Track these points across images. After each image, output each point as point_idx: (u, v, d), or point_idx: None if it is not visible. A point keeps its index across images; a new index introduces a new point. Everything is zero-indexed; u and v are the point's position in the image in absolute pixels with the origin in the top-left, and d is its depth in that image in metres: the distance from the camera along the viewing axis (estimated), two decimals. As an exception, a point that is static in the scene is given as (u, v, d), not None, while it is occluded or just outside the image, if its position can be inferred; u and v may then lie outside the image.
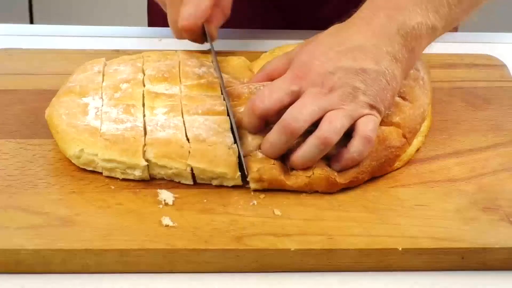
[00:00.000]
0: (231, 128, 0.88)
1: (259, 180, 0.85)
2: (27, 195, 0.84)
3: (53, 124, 0.90)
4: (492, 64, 1.09)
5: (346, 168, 0.86)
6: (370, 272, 0.80)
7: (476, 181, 0.88)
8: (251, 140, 0.87)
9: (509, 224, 0.82)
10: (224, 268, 0.79)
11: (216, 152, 0.85)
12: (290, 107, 0.85)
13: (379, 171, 0.88)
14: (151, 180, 0.87)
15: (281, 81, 0.87)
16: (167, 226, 0.80)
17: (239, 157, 0.85)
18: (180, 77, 0.96)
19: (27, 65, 1.05)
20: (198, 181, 0.86)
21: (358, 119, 0.85)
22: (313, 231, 0.80)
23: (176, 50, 1.02)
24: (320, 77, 0.85)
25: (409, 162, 0.91)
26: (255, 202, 0.84)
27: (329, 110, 0.84)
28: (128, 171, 0.86)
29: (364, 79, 0.86)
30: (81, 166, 0.87)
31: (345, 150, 0.86)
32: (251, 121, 0.87)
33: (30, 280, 0.78)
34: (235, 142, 0.86)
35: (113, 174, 0.86)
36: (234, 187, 0.86)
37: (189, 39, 1.00)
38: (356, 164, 0.86)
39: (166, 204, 0.83)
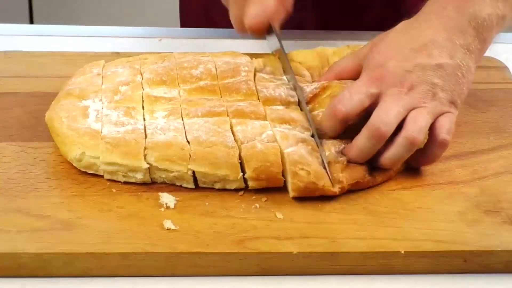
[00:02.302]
0: (313, 135, 0.88)
1: (257, 179, 0.84)
2: (28, 198, 0.83)
3: (53, 127, 0.89)
4: (493, 66, 1.09)
5: (421, 165, 0.89)
6: (372, 275, 0.80)
7: (478, 183, 0.88)
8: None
9: (511, 227, 0.82)
10: (226, 272, 0.79)
11: (217, 154, 0.85)
12: (376, 110, 0.85)
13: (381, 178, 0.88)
14: (152, 184, 0.86)
15: (360, 83, 0.87)
16: (168, 229, 0.80)
17: (323, 164, 0.85)
18: (178, 81, 0.95)
19: (27, 67, 1.05)
20: (200, 184, 0.86)
21: (438, 116, 0.86)
22: (315, 234, 0.80)
23: (172, 52, 1.01)
24: (398, 77, 0.86)
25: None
26: (257, 205, 0.84)
27: (412, 109, 0.85)
28: (130, 174, 0.85)
29: (442, 75, 0.86)
30: (82, 169, 0.87)
31: (421, 153, 0.87)
32: (332, 125, 0.87)
33: (32, 284, 0.77)
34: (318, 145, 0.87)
35: (114, 177, 0.86)
36: (237, 190, 0.85)
37: (252, 35, 0.99)
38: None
39: (168, 207, 0.83)
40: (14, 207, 0.82)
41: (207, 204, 0.84)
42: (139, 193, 0.85)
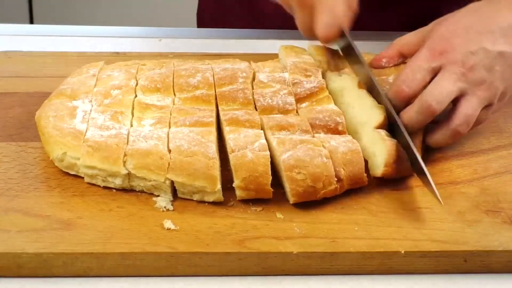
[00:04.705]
0: (397, 129, 0.89)
1: (245, 188, 0.83)
2: (28, 198, 0.83)
3: (40, 126, 0.89)
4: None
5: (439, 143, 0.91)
6: (372, 275, 0.80)
7: (478, 183, 0.88)
8: None
9: (511, 227, 0.82)
10: (226, 272, 0.79)
11: (195, 165, 0.83)
12: (431, 85, 0.86)
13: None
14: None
15: (421, 58, 0.88)
16: (168, 229, 0.80)
17: (406, 146, 0.86)
18: (173, 88, 0.93)
19: (27, 67, 1.05)
20: (179, 195, 0.84)
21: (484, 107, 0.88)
22: (315, 234, 0.80)
23: (172, 56, 1.01)
24: (461, 55, 0.87)
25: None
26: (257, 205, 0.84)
27: (465, 93, 0.87)
28: (109, 179, 0.84)
29: (502, 63, 0.87)
30: (64, 170, 0.86)
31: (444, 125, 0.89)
32: (398, 104, 0.89)
33: (32, 284, 0.77)
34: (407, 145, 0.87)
35: (94, 181, 0.85)
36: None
37: (322, 43, 0.99)
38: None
39: (167, 209, 0.83)
40: (14, 207, 0.82)
41: (207, 204, 0.84)
42: (139, 193, 0.85)
